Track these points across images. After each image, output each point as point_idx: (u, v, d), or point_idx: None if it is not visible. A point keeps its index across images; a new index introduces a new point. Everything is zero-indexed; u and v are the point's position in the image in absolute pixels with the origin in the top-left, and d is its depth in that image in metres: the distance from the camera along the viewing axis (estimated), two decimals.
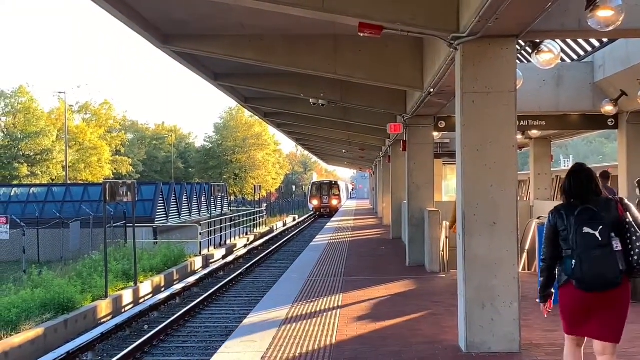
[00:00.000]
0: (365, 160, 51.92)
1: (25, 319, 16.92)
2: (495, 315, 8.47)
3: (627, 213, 5.92)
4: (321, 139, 38.76)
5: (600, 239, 5.79)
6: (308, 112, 23.60)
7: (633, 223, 5.86)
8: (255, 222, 51.63)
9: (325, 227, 38.43)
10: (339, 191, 77.48)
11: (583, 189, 6.04)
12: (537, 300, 6.49)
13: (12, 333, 15.62)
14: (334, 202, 74.95)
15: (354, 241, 26.60)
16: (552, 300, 7.96)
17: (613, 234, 5.81)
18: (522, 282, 8.80)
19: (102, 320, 19.13)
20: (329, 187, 76.91)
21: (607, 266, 5.80)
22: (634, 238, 5.82)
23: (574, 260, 5.91)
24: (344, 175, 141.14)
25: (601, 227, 5.81)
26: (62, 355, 14.47)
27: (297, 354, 8.65)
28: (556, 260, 6.19)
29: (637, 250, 5.79)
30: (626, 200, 6.08)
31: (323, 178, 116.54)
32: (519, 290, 8.55)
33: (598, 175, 6.31)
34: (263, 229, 53.10)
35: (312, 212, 76.48)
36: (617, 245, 5.80)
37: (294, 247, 38.54)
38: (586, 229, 5.83)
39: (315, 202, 75.91)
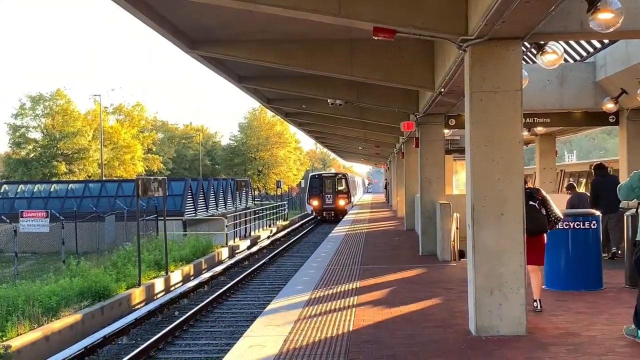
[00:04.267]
0: (380, 156, 51.85)
1: (64, 306, 17.05)
2: (503, 301, 8.44)
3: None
4: (339, 136, 38.72)
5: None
6: (326, 112, 23.58)
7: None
8: (277, 215, 51.72)
9: (343, 219, 38.39)
10: (348, 187, 54.44)
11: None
12: None
13: (53, 319, 15.74)
14: (341, 202, 52.67)
15: (370, 232, 26.58)
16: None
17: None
18: (527, 271, 8.77)
19: (136, 307, 19.27)
20: (333, 182, 53.96)
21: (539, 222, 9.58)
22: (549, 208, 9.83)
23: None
24: (360, 170, 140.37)
25: (537, 201, 9.66)
26: (98, 339, 14.59)
27: (317, 338, 8.66)
28: None
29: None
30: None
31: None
32: (525, 277, 8.52)
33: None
34: (285, 222, 53.20)
35: (311, 216, 54.85)
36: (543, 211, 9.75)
37: (314, 238, 38.59)
38: (531, 202, 9.42)
39: (314, 203, 53.16)
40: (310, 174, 61.35)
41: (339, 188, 53.58)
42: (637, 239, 8.17)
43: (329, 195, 52.77)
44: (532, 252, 9.11)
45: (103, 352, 14.35)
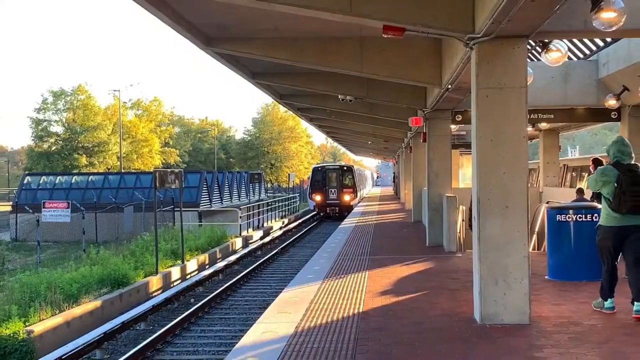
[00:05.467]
0: (389, 150, 51.70)
1: (84, 292, 17.14)
2: (507, 290, 8.45)
3: None
4: (349, 131, 38.70)
5: None
6: (337, 107, 23.56)
7: None
8: (289, 207, 51.71)
9: (352, 211, 38.37)
10: (354, 181, 47.41)
11: None
12: None
13: (74, 305, 15.84)
14: (346, 197, 46.09)
15: (379, 224, 26.58)
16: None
17: None
18: (531, 260, 8.77)
19: (153, 294, 19.34)
20: (338, 176, 46.99)
21: None
22: None
23: None
24: (369, 164, 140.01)
25: None
26: (117, 325, 14.68)
27: (327, 324, 8.69)
28: None
29: None
30: None
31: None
32: (529, 267, 8.52)
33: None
34: (296, 213, 53.20)
35: (314, 212, 48.67)
36: None
37: (325, 229, 38.57)
38: None
39: (317, 198, 46.46)
40: (313, 166, 53.87)
41: (345, 182, 46.69)
42: (599, 224, 9.14)
43: (332, 190, 45.75)
44: None
45: (122, 337, 14.46)
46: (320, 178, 46.55)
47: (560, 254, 11.54)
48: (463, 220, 16.57)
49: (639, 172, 8.54)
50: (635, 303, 8.50)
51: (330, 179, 46.38)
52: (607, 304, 8.97)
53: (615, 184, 8.46)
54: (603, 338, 7.65)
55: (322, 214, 46.11)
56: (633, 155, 8.93)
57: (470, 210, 13.52)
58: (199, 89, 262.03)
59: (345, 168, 49.14)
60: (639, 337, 7.70)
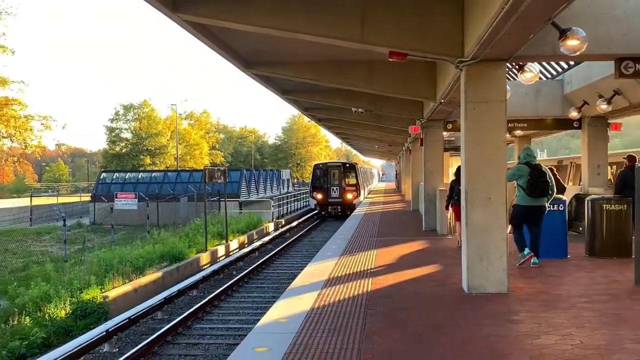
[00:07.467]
0: (392, 153, 51.48)
1: (149, 266, 17.29)
2: (489, 266, 8.38)
3: None
4: (360, 137, 38.51)
5: None
6: (351, 118, 23.50)
7: None
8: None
9: (362, 202, 38.19)
10: (357, 179, 37.86)
11: None
12: None
13: (140, 276, 15.98)
14: (349, 195, 37.10)
15: (384, 212, 26.49)
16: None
17: None
18: (508, 242, 8.69)
19: (203, 267, 19.46)
20: (340, 173, 37.65)
21: None
22: None
23: None
24: (375, 163, 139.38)
25: None
26: (174, 291, 14.79)
27: (343, 294, 8.67)
28: None
29: None
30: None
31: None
32: (507, 247, 8.45)
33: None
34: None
35: (315, 211, 38.68)
36: None
37: (340, 216, 38.43)
38: None
39: (318, 196, 37.22)
40: (314, 163, 42.84)
41: (347, 180, 37.61)
42: (515, 203, 10.39)
43: (334, 188, 37.08)
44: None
45: (178, 302, 14.55)
46: (322, 175, 37.75)
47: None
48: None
49: (542, 170, 10.13)
50: (526, 249, 10.20)
51: (333, 176, 37.65)
52: (525, 252, 10.22)
53: (529, 177, 9.98)
54: (567, 305, 7.57)
55: (323, 213, 37.42)
56: (537, 157, 10.48)
57: (448, 196, 13.55)
58: (239, 102, 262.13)
59: (347, 165, 39.24)
60: (597, 303, 7.61)
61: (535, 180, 10.02)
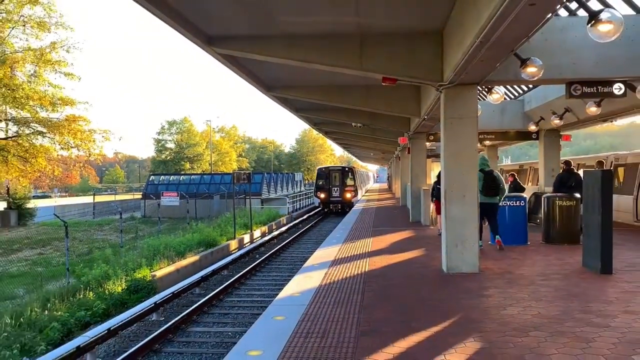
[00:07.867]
0: (385, 159, 51.43)
1: (188, 250, 17.31)
2: (464, 251, 8.35)
3: None
4: (358, 146, 38.42)
5: None
6: (351, 131, 23.47)
7: None
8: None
9: (360, 199, 38.03)
10: (355, 181, 36.67)
11: None
12: None
13: (181, 259, 16.01)
14: (347, 195, 35.85)
15: (379, 207, 26.39)
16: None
17: None
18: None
19: (232, 252, 19.44)
20: (340, 175, 36.39)
21: None
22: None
23: None
24: (371, 167, 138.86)
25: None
26: (209, 272, 14.77)
27: (346, 273, 8.66)
28: None
29: None
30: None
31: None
32: (478, 236, 8.41)
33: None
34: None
35: (319, 208, 37.07)
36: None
37: (340, 212, 38.33)
38: None
39: (322, 196, 36.26)
40: (318, 167, 40.67)
41: (347, 181, 36.36)
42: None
43: (335, 188, 35.99)
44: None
45: (212, 280, 14.55)
46: (325, 177, 36.45)
47: (500, 227, 11.34)
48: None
49: (494, 175, 10.34)
50: (491, 235, 10.47)
51: (334, 178, 36.35)
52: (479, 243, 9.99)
53: (483, 181, 10.20)
54: (527, 282, 7.53)
55: (325, 210, 36.24)
56: (490, 164, 10.68)
57: (433, 193, 13.46)
58: (261, 118, 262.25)
59: (347, 169, 37.69)
60: (552, 281, 7.56)
61: (489, 184, 10.25)
